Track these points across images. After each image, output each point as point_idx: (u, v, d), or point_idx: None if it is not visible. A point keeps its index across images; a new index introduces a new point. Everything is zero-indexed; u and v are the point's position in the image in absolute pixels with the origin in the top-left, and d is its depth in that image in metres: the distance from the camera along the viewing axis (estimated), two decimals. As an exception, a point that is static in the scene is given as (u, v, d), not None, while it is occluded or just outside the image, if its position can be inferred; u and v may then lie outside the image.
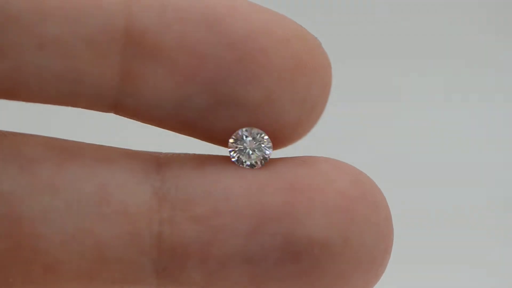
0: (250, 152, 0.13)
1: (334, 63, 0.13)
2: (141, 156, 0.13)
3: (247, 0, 0.13)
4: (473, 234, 0.35)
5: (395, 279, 0.22)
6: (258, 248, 0.13)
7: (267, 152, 0.13)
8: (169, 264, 0.13)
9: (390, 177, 0.25)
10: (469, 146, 0.39)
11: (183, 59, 0.12)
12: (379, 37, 0.41)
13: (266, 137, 0.13)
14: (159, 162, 0.13)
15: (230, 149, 0.13)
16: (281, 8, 0.13)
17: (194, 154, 0.14)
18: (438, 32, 0.41)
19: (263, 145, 0.13)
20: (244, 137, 0.13)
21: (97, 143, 0.13)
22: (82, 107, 0.13)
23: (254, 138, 0.13)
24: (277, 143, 0.13)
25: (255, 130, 0.13)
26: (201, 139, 0.13)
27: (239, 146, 0.13)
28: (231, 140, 0.13)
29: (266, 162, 0.13)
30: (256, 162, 0.13)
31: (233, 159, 0.13)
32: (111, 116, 0.13)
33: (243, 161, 0.13)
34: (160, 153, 0.14)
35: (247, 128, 0.13)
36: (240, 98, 0.13)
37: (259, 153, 0.13)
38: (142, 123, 0.13)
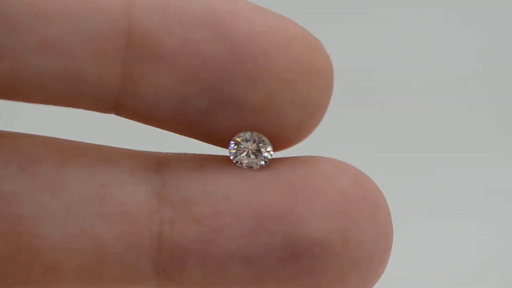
0: (251, 156, 0.13)
1: (335, 65, 0.13)
2: (141, 156, 0.13)
3: (248, 1, 0.13)
4: (473, 231, 0.36)
5: (395, 278, 0.22)
6: (258, 248, 0.13)
7: (268, 156, 0.13)
8: (169, 264, 0.13)
9: (390, 178, 0.24)
10: (470, 144, 0.39)
11: (184, 61, 0.12)
12: (379, 37, 0.41)
13: (266, 140, 0.13)
14: (159, 162, 0.13)
15: (230, 151, 0.13)
16: (283, 10, 0.13)
17: (194, 154, 0.14)
18: (438, 33, 0.41)
19: (263, 149, 0.13)
20: (245, 141, 0.13)
21: (97, 143, 0.13)
22: (82, 108, 0.13)
23: (254, 142, 0.13)
24: (278, 145, 0.13)
25: (255, 134, 0.13)
26: (201, 140, 0.13)
27: (240, 150, 0.13)
28: (231, 142, 0.13)
29: (267, 163, 0.13)
30: (256, 163, 0.13)
31: (233, 160, 0.13)
32: (111, 117, 0.13)
33: (243, 162, 0.13)
34: (160, 153, 0.14)
35: (247, 132, 0.13)
36: (241, 100, 0.13)
37: (259, 155, 0.13)
38: (142, 124, 0.13)
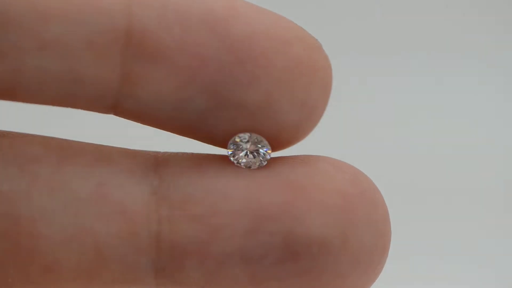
0: (249, 156, 0.13)
1: (334, 65, 0.13)
2: (140, 155, 0.13)
3: (247, 1, 0.13)
4: (473, 231, 0.36)
5: (393, 277, 0.22)
6: (257, 247, 0.13)
7: (266, 157, 0.13)
8: (168, 263, 0.13)
9: (388, 177, 0.25)
10: (470, 142, 0.39)
11: (183, 61, 0.12)
12: (379, 37, 0.41)
13: (265, 141, 0.13)
14: (157, 161, 0.13)
15: (229, 151, 0.13)
16: (282, 10, 0.13)
17: (193, 153, 0.14)
18: (438, 33, 0.41)
19: (261, 150, 0.13)
20: (243, 142, 0.13)
21: (96, 143, 0.13)
22: (81, 108, 0.13)
23: (253, 143, 0.13)
24: (276, 145, 0.13)
25: (254, 135, 0.13)
26: (200, 141, 0.13)
27: (238, 150, 0.13)
28: (230, 142, 0.13)
29: (264, 164, 0.13)
30: (254, 163, 0.13)
31: (231, 160, 0.13)
32: (110, 117, 0.13)
33: (242, 161, 0.13)
34: (158, 152, 0.14)
35: (246, 133, 0.13)
36: (240, 100, 0.13)
37: (257, 157, 0.13)
38: (141, 124, 0.13)
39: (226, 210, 0.13)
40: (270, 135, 0.13)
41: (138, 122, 0.13)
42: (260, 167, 0.13)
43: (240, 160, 0.13)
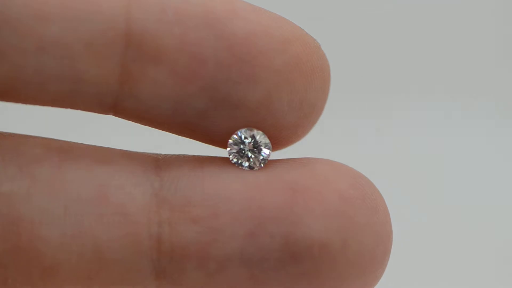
0: (249, 153, 0.13)
1: (332, 65, 0.13)
2: (141, 158, 0.13)
3: (246, 2, 0.13)
4: (473, 234, 0.35)
5: (394, 280, 0.22)
6: (257, 249, 0.13)
7: (266, 152, 0.13)
8: (168, 265, 0.13)
9: (388, 179, 0.24)
10: (469, 146, 0.39)
11: (183, 61, 0.12)
12: (378, 37, 0.41)
13: (265, 137, 0.13)
14: (158, 164, 0.13)
15: (229, 150, 0.13)
16: (281, 10, 0.13)
17: (193, 155, 0.14)
18: (438, 35, 0.41)
19: (262, 146, 0.13)
20: (243, 138, 0.13)
21: (97, 145, 0.13)
22: (81, 109, 0.13)
23: (253, 139, 0.13)
24: (276, 145, 0.13)
25: (254, 131, 0.13)
26: (200, 141, 0.13)
27: (238, 147, 0.13)
28: (230, 142, 0.13)
29: (266, 163, 0.13)
30: (255, 163, 0.13)
31: (232, 161, 0.13)
32: (110, 118, 0.13)
33: (242, 162, 0.13)
34: (159, 154, 0.14)
35: (246, 129, 0.13)
36: (239, 100, 0.13)
37: (258, 154, 0.13)
38: (141, 125, 0.13)
39: (226, 212, 0.13)
40: (270, 134, 0.13)
41: (137, 122, 0.13)
42: (261, 169, 0.13)
43: (242, 163, 0.13)
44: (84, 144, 0.13)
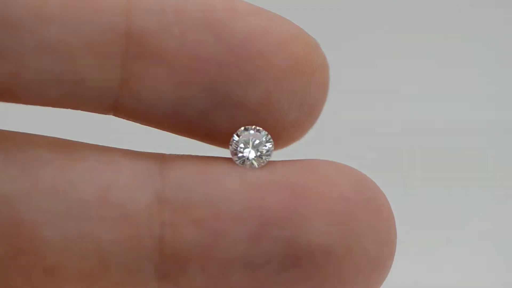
0: (251, 152, 0.13)
1: (332, 64, 0.13)
2: (143, 158, 0.13)
3: (246, 2, 0.13)
4: (477, 235, 0.35)
5: (398, 284, 0.22)
6: (259, 252, 0.13)
7: (269, 150, 0.13)
8: (171, 268, 0.13)
9: (389, 175, 0.24)
10: (471, 141, 0.38)
11: (183, 61, 0.12)
12: (377, 37, 0.41)
13: (266, 135, 0.13)
14: (161, 164, 0.13)
15: (231, 150, 0.13)
16: (280, 10, 0.13)
17: (197, 155, 0.13)
18: (437, 34, 0.41)
19: (263, 144, 0.13)
20: (244, 137, 0.13)
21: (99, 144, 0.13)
22: (82, 109, 0.13)
23: (254, 138, 0.13)
24: (276, 144, 0.13)
25: (255, 129, 0.13)
26: (200, 141, 0.13)
27: (240, 146, 0.13)
28: (231, 141, 0.13)
29: (268, 160, 0.13)
30: (257, 162, 0.13)
31: (233, 158, 0.13)
32: (111, 119, 0.13)
33: (244, 162, 0.13)
34: (163, 154, 0.13)
35: (247, 128, 0.13)
36: (239, 99, 0.13)
37: (260, 153, 0.13)
38: (143, 126, 0.13)
39: (229, 215, 0.13)
40: (270, 133, 0.13)
41: (138, 122, 0.13)
42: (264, 171, 0.13)
43: (244, 162, 0.13)
44: (87, 143, 0.13)
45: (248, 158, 0.13)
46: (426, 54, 0.41)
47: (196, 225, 0.13)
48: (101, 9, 0.12)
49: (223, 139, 0.13)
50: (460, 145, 0.38)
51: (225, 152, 0.13)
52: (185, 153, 0.14)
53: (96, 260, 0.13)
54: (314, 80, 0.13)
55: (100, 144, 0.13)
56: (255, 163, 0.13)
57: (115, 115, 0.13)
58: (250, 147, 0.13)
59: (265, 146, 0.13)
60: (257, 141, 0.13)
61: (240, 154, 0.13)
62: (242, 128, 0.13)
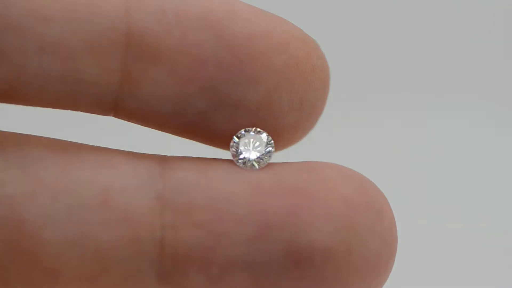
0: (252, 154, 0.13)
1: (332, 65, 0.13)
2: (144, 159, 0.13)
3: (246, 3, 0.13)
4: (477, 236, 0.35)
5: (394, 281, 0.22)
6: (260, 254, 0.12)
7: (270, 152, 0.13)
8: (171, 269, 0.13)
9: (388, 177, 0.24)
10: (470, 147, 0.39)
11: (183, 62, 0.12)
12: (378, 37, 0.41)
13: (267, 137, 0.13)
14: (162, 165, 0.13)
15: (232, 152, 0.13)
16: (280, 11, 0.13)
17: (198, 157, 0.13)
18: (437, 34, 0.41)
19: (265, 146, 0.13)
20: (245, 139, 0.13)
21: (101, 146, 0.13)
22: (82, 110, 0.13)
23: (255, 139, 0.13)
24: (276, 145, 0.13)
25: (256, 131, 0.13)
26: (201, 142, 0.13)
27: (241, 148, 0.13)
28: (232, 142, 0.13)
29: (269, 161, 0.13)
30: (258, 164, 0.13)
31: (234, 159, 0.13)
32: (113, 120, 0.13)
33: (245, 161, 0.13)
34: (164, 156, 0.13)
35: (248, 129, 0.13)
36: (239, 100, 0.13)
37: (261, 154, 0.13)
38: (143, 127, 0.13)
39: (230, 217, 0.13)
40: (270, 134, 0.13)
41: (138, 123, 0.13)
42: (265, 173, 0.13)
43: (245, 164, 0.13)
44: (88, 145, 0.13)
45: (249, 160, 0.13)
46: (427, 54, 0.41)
47: (197, 227, 0.13)
48: (102, 10, 0.12)
49: (223, 140, 0.13)
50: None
51: (225, 154, 0.13)
52: (185, 155, 0.14)
53: (96, 261, 0.12)
54: (314, 81, 0.13)
55: (101, 146, 0.13)
56: (256, 165, 0.13)
57: (115, 116, 0.13)
58: (251, 149, 0.13)
59: (266, 147, 0.13)
60: (257, 143, 0.13)
61: (241, 156, 0.13)
62: (243, 130, 0.13)
